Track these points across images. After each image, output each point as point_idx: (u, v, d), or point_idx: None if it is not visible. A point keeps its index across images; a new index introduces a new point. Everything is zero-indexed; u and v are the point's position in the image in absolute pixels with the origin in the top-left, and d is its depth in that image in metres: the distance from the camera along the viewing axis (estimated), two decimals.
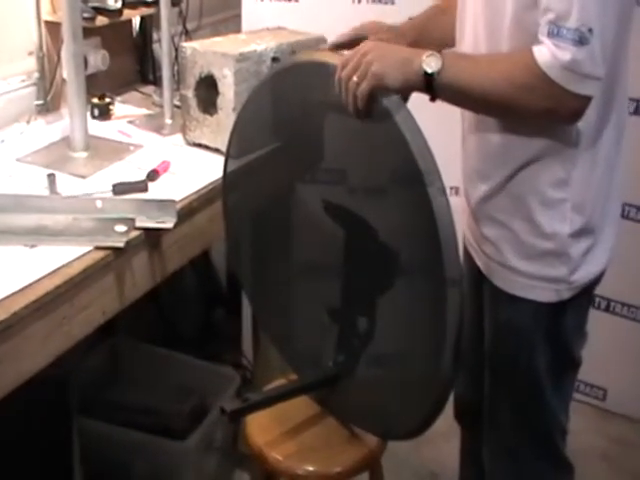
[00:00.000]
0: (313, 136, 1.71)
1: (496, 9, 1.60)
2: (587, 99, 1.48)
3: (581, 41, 1.42)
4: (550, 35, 1.45)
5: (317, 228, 1.75)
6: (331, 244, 1.71)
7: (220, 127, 2.21)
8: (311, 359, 1.91)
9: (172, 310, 3.05)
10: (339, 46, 1.82)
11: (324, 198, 1.71)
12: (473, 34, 1.70)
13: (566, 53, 1.43)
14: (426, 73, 1.50)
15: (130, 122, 2.54)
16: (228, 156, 1.94)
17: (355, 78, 1.52)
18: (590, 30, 1.42)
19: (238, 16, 2.92)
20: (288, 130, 1.79)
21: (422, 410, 1.62)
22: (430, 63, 1.50)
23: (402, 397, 1.67)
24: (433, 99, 1.55)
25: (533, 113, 1.54)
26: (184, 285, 3.12)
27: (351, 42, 1.80)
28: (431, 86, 1.52)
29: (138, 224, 1.82)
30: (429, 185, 1.44)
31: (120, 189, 1.99)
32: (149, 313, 2.90)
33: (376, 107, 1.52)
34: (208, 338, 3.18)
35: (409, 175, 1.47)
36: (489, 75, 1.52)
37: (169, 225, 1.86)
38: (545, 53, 1.45)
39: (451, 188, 1.83)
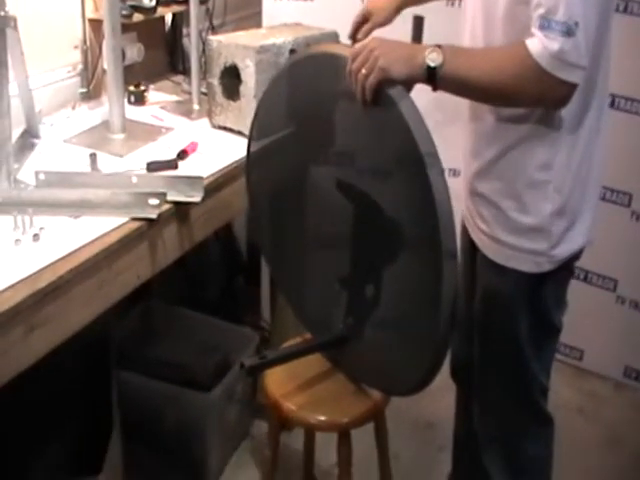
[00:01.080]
0: (325, 121, 1.71)
1: (492, 3, 1.62)
2: (573, 86, 1.49)
3: (568, 33, 1.44)
4: (541, 28, 1.46)
5: (329, 203, 1.75)
6: (341, 218, 1.72)
7: (242, 112, 2.21)
8: (323, 321, 1.92)
9: (198, 276, 3.06)
10: (356, 27, 2.02)
11: (335, 176, 1.72)
12: (471, 27, 1.73)
13: (555, 43, 1.44)
14: (429, 67, 1.52)
15: (162, 107, 2.54)
16: (251, 138, 1.95)
17: (364, 70, 1.53)
18: (576, 23, 1.44)
19: (259, 13, 2.92)
20: (303, 116, 1.79)
21: (422, 368, 1.63)
22: (432, 58, 1.51)
23: (403, 357, 1.68)
24: (435, 89, 1.56)
25: (525, 100, 1.56)
26: (209, 254, 3.12)
27: (362, 21, 2.03)
28: (433, 79, 1.53)
29: (169, 198, 1.83)
30: (429, 167, 1.46)
31: (153, 167, 2.00)
32: (178, 278, 2.90)
33: (382, 96, 1.53)
34: (230, 302, 3.19)
35: (411, 157, 1.48)
36: (485, 67, 1.53)
37: (197, 199, 1.87)
38: (536, 44, 1.46)
39: (449, 170, 1.85)
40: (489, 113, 1.70)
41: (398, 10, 2.09)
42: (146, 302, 2.67)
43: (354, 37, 2.11)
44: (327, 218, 1.80)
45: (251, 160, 1.96)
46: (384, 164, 1.59)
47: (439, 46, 1.53)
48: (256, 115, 1.93)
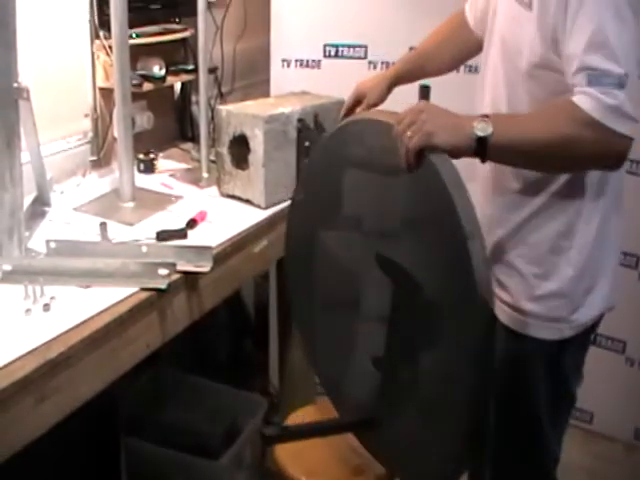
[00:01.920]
0: (365, 189, 1.70)
1: (513, 67, 1.64)
2: (630, 140, 1.45)
3: (621, 85, 1.42)
4: (590, 84, 1.44)
5: (364, 275, 1.73)
6: (377, 292, 1.69)
7: (251, 180, 2.23)
8: (350, 397, 1.89)
9: (206, 341, 3.05)
10: (350, 108, 2.08)
11: (373, 247, 1.70)
12: (492, 90, 1.74)
13: (610, 96, 1.42)
14: (479, 137, 1.48)
15: (171, 175, 2.56)
16: (295, 196, 1.97)
17: (409, 133, 1.50)
18: (626, 74, 1.43)
19: (267, 80, 2.95)
20: (345, 183, 1.78)
21: (454, 453, 1.57)
22: (482, 127, 1.47)
23: (435, 442, 1.61)
24: (484, 160, 1.53)
25: (584, 160, 1.52)
26: (217, 319, 3.12)
27: (355, 103, 2.09)
28: (483, 149, 1.49)
29: (179, 268, 1.84)
30: (469, 238, 1.42)
31: (163, 236, 2.01)
32: (186, 343, 2.89)
33: (424, 162, 1.50)
34: (238, 367, 3.18)
35: (451, 228, 1.44)
36: (538, 130, 1.49)
37: (206, 269, 1.87)
38: (587, 100, 1.43)
39: None
40: (515, 182, 1.70)
41: (390, 88, 2.12)
42: (155, 367, 2.67)
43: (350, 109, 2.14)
44: (362, 291, 1.78)
45: (292, 221, 1.99)
46: (422, 234, 1.56)
47: (486, 116, 1.51)
48: (303, 173, 1.96)
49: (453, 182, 1.45)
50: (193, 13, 2.39)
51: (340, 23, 2.87)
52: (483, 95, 1.80)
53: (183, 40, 2.75)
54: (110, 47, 2.26)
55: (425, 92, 1.91)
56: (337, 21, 2.87)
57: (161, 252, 1.89)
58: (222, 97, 3.07)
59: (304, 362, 2.75)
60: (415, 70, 2.15)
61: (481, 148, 1.49)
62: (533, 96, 1.62)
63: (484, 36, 1.97)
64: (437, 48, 2.16)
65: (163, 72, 2.61)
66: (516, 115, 1.64)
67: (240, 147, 2.24)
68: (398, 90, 2.15)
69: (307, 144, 2.24)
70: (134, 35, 2.40)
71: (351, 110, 2.15)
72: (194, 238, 2.04)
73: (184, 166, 2.67)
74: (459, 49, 2.13)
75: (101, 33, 2.38)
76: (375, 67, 2.88)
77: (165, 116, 2.89)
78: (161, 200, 2.31)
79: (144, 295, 1.75)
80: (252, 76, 3.24)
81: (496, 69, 1.73)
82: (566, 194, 1.64)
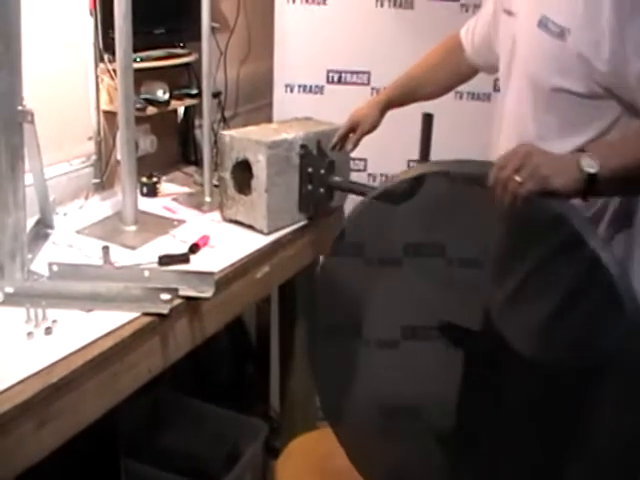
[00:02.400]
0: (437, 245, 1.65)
1: (544, 95, 1.63)
2: None
3: None
4: None
5: (429, 358, 1.63)
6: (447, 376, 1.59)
7: (254, 206, 2.23)
8: None
9: (208, 364, 3.05)
10: (343, 136, 2.18)
11: (441, 317, 1.62)
12: (517, 119, 1.73)
13: None
14: (589, 174, 1.40)
15: (174, 199, 2.56)
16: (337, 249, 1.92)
17: (518, 178, 1.40)
18: None
19: (269, 105, 2.97)
20: (420, 239, 1.71)
21: None
22: (589, 163, 1.40)
23: None
24: (587, 198, 1.44)
25: None
26: (219, 343, 3.12)
27: (349, 131, 2.18)
28: (592, 185, 1.40)
29: (181, 293, 1.84)
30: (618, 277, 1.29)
31: (165, 260, 2.01)
32: (187, 367, 2.90)
33: (543, 213, 1.42)
34: (239, 391, 3.18)
35: (600, 289, 1.33)
36: None
37: (208, 295, 1.87)
38: None
39: None
40: None
41: (383, 114, 2.17)
42: (155, 390, 2.66)
43: (341, 147, 2.22)
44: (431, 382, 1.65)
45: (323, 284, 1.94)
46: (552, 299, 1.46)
47: (581, 150, 1.46)
48: (345, 230, 1.89)
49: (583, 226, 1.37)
50: (197, 38, 2.40)
51: (343, 49, 2.89)
52: (501, 124, 1.81)
53: (187, 64, 2.76)
54: (114, 70, 2.28)
55: (428, 120, 1.90)
56: (340, 47, 2.89)
57: (163, 277, 1.89)
58: (225, 121, 3.09)
59: (305, 387, 2.78)
60: (407, 94, 2.19)
61: (590, 185, 1.40)
62: (566, 123, 1.60)
63: (483, 62, 2.05)
64: (429, 72, 2.19)
65: (167, 96, 2.62)
66: (611, 142, 1.56)
67: (243, 172, 2.24)
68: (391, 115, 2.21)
69: (310, 170, 2.26)
70: (138, 59, 2.40)
71: (344, 138, 2.21)
72: (196, 263, 2.03)
73: (187, 190, 2.67)
74: (452, 74, 2.17)
75: (105, 56, 2.40)
76: (378, 93, 2.85)
77: (168, 140, 2.90)
78: (164, 224, 2.32)
79: (146, 320, 1.75)
80: (255, 101, 3.26)
81: (521, 99, 1.71)
82: (617, 223, 1.62)
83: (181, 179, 2.81)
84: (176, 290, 1.83)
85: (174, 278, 1.88)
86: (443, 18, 2.80)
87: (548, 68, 1.60)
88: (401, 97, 2.20)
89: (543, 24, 1.58)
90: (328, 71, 2.91)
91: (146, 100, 2.56)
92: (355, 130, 2.22)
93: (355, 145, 2.24)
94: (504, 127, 1.80)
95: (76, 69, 2.43)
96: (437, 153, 2.76)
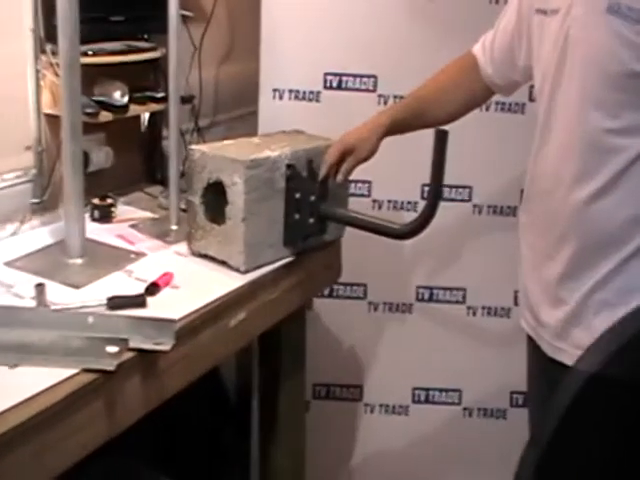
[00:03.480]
0: None
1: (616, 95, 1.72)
2: None
3: None
4: None
5: None
6: None
7: (228, 238, 2.21)
8: None
9: (176, 429, 3.00)
10: (333, 165, 2.21)
11: None
12: (567, 127, 1.79)
13: None
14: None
15: (133, 226, 2.54)
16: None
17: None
18: None
19: (254, 114, 2.95)
20: None
21: None
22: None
23: None
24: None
25: None
26: (190, 402, 3.08)
27: (340, 159, 2.20)
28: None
29: (132, 344, 1.79)
30: None
31: (115, 303, 1.96)
32: (149, 432, 2.84)
33: None
34: (215, 460, 3.15)
35: None
36: None
37: (166, 347, 1.82)
38: None
39: None
40: (607, 221, 1.76)
41: (382, 139, 2.20)
42: (107, 457, 2.59)
43: (332, 176, 2.22)
44: None
45: None
46: None
47: None
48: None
49: None
50: (165, 29, 2.38)
51: (345, 48, 2.88)
52: (547, 136, 1.86)
53: (152, 61, 2.75)
54: (58, 65, 2.23)
55: (442, 138, 1.92)
56: (341, 45, 2.87)
57: (112, 324, 1.84)
58: (200, 132, 3.09)
59: (292, 459, 2.78)
60: (412, 119, 2.24)
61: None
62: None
63: (502, 80, 2.16)
64: (439, 93, 2.24)
65: (126, 99, 2.61)
66: None
67: (216, 196, 2.21)
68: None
69: (298, 196, 2.24)
70: (90, 52, 2.38)
71: (335, 167, 2.21)
72: (155, 307, 1.99)
73: (149, 215, 2.66)
74: (464, 97, 2.23)
75: (48, 47, 2.36)
76: (386, 102, 2.89)
77: (128, 153, 2.88)
78: (117, 257, 2.29)
79: (87, 378, 1.70)
80: (237, 108, 3.27)
81: (582, 97, 1.76)
82: None
83: (143, 202, 2.80)
84: (126, 341, 1.77)
85: (125, 326, 1.84)
86: (466, 11, 2.81)
87: (624, 54, 1.69)
88: (405, 122, 2.24)
89: (614, 10, 1.68)
90: (325, 74, 2.90)
91: (100, 103, 2.53)
92: (347, 156, 2.22)
93: (346, 176, 2.25)
94: (552, 137, 1.85)
95: (11, 62, 2.39)
96: (458, 175, 2.84)
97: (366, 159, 2.21)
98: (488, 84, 2.18)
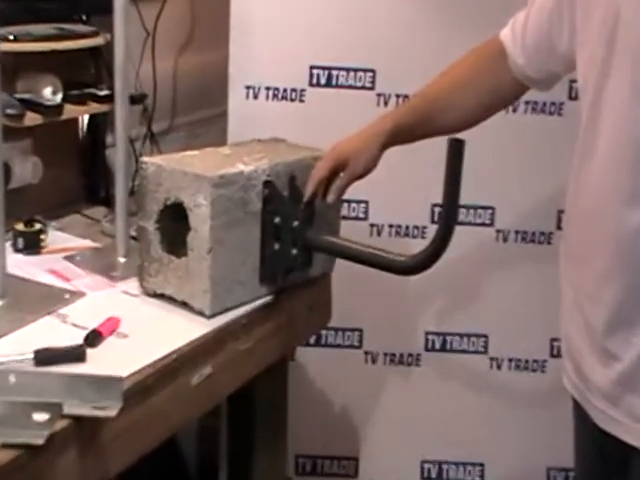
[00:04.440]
0: None
1: None
2: None
3: None
4: None
5: None
6: None
7: (190, 273, 2.20)
8: None
9: None
10: (322, 181, 2.22)
11: None
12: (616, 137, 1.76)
13: None
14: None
15: (68, 258, 2.53)
16: None
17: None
18: None
19: (223, 115, 2.98)
20: None
21: None
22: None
23: None
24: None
25: None
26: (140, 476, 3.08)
27: (331, 173, 2.22)
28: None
29: (67, 410, 1.75)
30: None
31: (45, 357, 1.94)
32: None
33: None
34: None
35: None
36: None
37: (110, 413, 1.79)
38: None
39: None
40: None
41: (383, 150, 2.20)
42: None
43: (322, 195, 2.25)
44: None
45: None
46: None
47: None
48: None
49: None
50: (109, 9, 2.36)
51: (336, 35, 2.90)
52: (595, 140, 1.82)
53: (93, 50, 2.76)
54: None
55: (457, 149, 1.88)
56: (331, 32, 2.90)
57: (40, 384, 1.81)
58: (154, 140, 3.11)
59: None
60: (420, 124, 2.23)
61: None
62: None
63: (537, 72, 2.12)
64: (454, 92, 2.22)
65: (59, 98, 2.61)
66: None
67: (175, 222, 2.21)
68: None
69: (277, 220, 2.24)
70: (10, 37, 2.39)
71: (324, 185, 2.22)
72: (96, 362, 1.97)
73: (89, 244, 2.66)
74: (488, 95, 2.21)
75: None
76: (387, 102, 2.93)
77: (62, 165, 2.89)
78: (48, 298, 2.27)
79: (8, 455, 1.66)
80: (201, 110, 3.29)
81: (635, 101, 1.72)
82: None
83: (81, 227, 2.80)
84: (59, 406, 1.75)
85: (58, 386, 1.81)
86: None
87: None
88: (412, 127, 2.23)
89: None
90: (311, 67, 2.92)
91: (25, 103, 2.53)
92: (340, 171, 2.22)
93: (339, 195, 2.26)
94: (599, 145, 1.81)
95: None
96: (477, 194, 2.83)
97: (363, 175, 2.21)
98: (519, 78, 2.14)
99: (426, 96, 2.25)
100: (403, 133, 2.21)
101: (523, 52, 2.10)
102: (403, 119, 2.22)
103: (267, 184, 2.22)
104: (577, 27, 1.89)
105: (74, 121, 2.90)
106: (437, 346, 3.11)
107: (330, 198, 2.23)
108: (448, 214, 1.98)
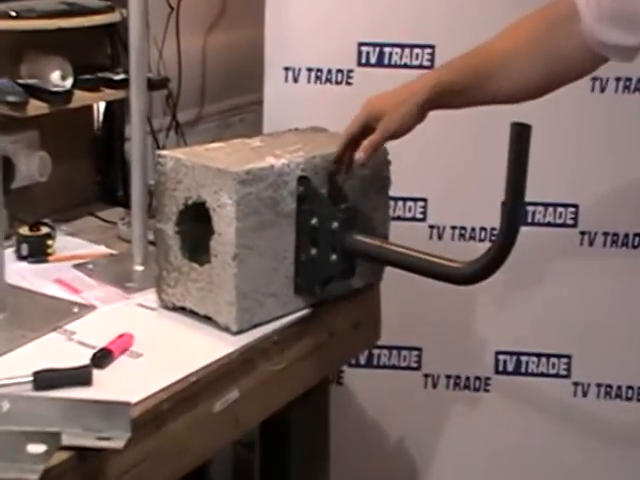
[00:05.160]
0: None
1: None
2: None
3: None
4: None
5: None
6: None
7: (214, 284, 2.21)
8: None
9: None
10: (351, 141, 2.24)
11: None
12: None
13: None
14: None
15: (78, 267, 2.55)
16: None
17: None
18: None
19: (258, 103, 3.00)
20: None
21: None
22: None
23: None
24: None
25: None
26: None
27: (361, 131, 2.24)
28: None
29: (66, 441, 1.76)
30: None
31: (45, 380, 1.95)
32: None
33: None
34: None
35: None
36: None
37: (117, 444, 1.79)
38: None
39: None
40: None
41: (423, 111, 2.18)
42: None
43: (351, 155, 2.26)
44: None
45: None
46: None
47: None
48: None
49: None
50: None
51: (387, 6, 2.90)
52: None
53: (107, 28, 2.79)
54: None
55: (522, 135, 1.87)
56: (382, 4, 2.90)
57: (37, 411, 1.83)
58: (179, 131, 3.12)
59: None
60: (467, 84, 2.19)
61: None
62: None
63: (619, 37, 2.04)
64: (515, 52, 2.18)
65: (69, 83, 2.62)
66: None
67: (197, 224, 2.23)
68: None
69: (314, 222, 2.24)
70: (12, 13, 2.41)
71: (354, 144, 2.22)
72: (104, 385, 1.98)
73: (103, 251, 2.68)
74: (553, 62, 2.15)
75: None
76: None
77: (73, 161, 2.92)
78: (54, 312, 2.28)
79: None
80: (234, 96, 3.28)
81: None
82: None
83: (94, 231, 2.83)
84: (58, 436, 1.76)
85: (57, 413, 1.82)
86: None
87: None
88: (458, 86, 2.19)
89: None
90: (360, 45, 2.93)
91: (29, 89, 2.54)
92: (371, 130, 2.22)
93: (369, 154, 2.23)
94: None
95: None
96: (557, 189, 2.82)
97: (398, 133, 2.19)
98: (591, 44, 2.08)
99: (480, 54, 2.21)
100: (449, 92, 2.19)
101: (599, 10, 2.05)
102: (449, 76, 2.20)
103: (302, 180, 2.23)
104: None
105: (87, 110, 2.92)
106: (510, 368, 3.10)
107: (358, 155, 2.21)
108: (511, 212, 1.97)
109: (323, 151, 2.31)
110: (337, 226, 2.24)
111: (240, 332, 2.22)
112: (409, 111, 2.15)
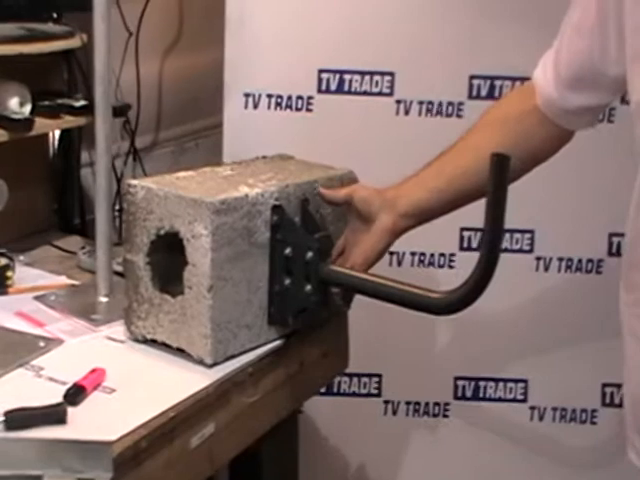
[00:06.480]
0: None
1: None
2: None
3: None
4: None
5: None
6: None
7: (187, 316, 2.18)
8: None
9: None
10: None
11: None
12: None
13: None
14: None
15: (40, 298, 2.51)
16: None
17: None
18: None
19: (218, 127, 3.00)
20: None
21: None
22: None
23: None
24: None
25: None
26: None
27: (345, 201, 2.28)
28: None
29: None
30: None
31: (18, 420, 1.90)
32: None
33: None
34: None
35: None
36: None
37: None
38: None
39: None
40: None
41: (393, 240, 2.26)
42: None
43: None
44: None
45: None
46: None
47: None
48: None
49: None
50: (85, 5, 2.36)
51: (347, 34, 2.91)
52: None
53: (66, 54, 2.77)
54: None
55: (502, 165, 1.86)
56: (343, 31, 2.90)
57: (12, 453, 1.79)
58: (137, 157, 3.10)
59: None
60: (447, 202, 2.26)
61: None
62: None
63: (582, 103, 2.08)
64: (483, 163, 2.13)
65: (27, 110, 2.61)
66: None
67: (169, 255, 2.21)
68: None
69: (288, 252, 2.23)
70: None
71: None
72: (79, 423, 1.94)
73: (64, 281, 2.65)
74: (527, 154, 2.19)
75: None
76: (407, 111, 2.92)
77: (30, 189, 2.90)
78: (18, 347, 2.24)
79: None
80: (192, 121, 3.26)
81: None
82: None
83: (54, 261, 2.79)
84: (38, 479, 1.73)
85: (35, 455, 1.79)
86: None
87: None
88: (433, 210, 2.25)
89: None
90: (320, 72, 2.93)
91: None
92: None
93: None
94: None
95: None
96: (511, 212, 2.76)
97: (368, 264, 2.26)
98: (556, 120, 2.12)
99: (449, 177, 2.24)
100: (424, 216, 2.25)
101: (557, 84, 2.08)
102: (420, 203, 2.24)
103: (276, 209, 2.22)
104: (627, 41, 1.86)
105: (43, 136, 2.91)
106: (468, 394, 3.11)
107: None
108: (491, 242, 1.95)
109: (295, 180, 2.32)
110: (311, 256, 2.23)
111: (215, 365, 2.19)
112: (379, 244, 2.24)
